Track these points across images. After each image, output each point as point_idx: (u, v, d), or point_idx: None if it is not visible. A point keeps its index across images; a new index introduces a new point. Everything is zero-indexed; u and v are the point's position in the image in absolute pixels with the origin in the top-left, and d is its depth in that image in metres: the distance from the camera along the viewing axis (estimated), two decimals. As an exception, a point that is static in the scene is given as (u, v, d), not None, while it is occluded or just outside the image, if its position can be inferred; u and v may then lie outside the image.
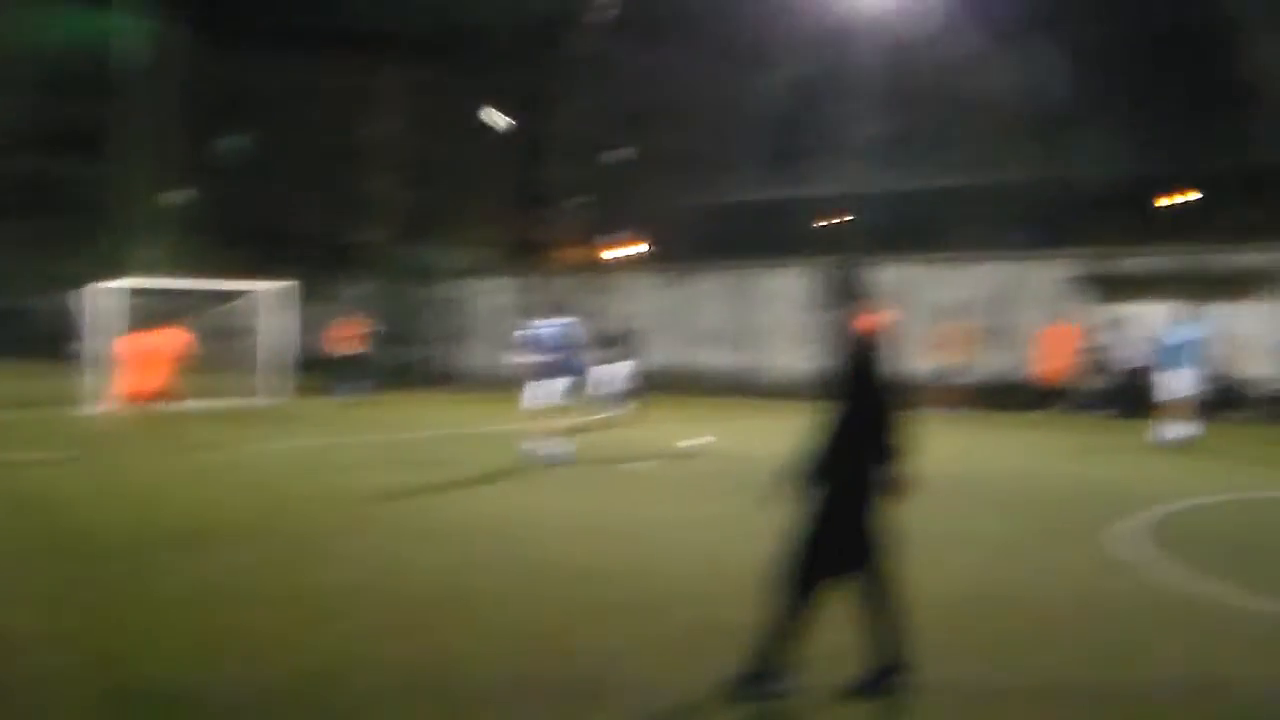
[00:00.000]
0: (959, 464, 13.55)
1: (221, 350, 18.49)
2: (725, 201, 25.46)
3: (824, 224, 27.35)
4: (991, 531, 9.77)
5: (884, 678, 5.43)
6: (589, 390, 17.66)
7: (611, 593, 7.01)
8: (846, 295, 5.64)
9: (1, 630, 6.18)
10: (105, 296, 18.50)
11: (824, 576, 5.44)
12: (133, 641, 6.03)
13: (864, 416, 5.45)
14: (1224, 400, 19.07)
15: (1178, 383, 15.87)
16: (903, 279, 21.10)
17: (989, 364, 22.10)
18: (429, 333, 26.42)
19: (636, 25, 24.26)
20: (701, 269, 24.34)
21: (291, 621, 6.35)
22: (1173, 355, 16.08)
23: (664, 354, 22.14)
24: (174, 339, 14.03)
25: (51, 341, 22.45)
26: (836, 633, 5.40)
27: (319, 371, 21.44)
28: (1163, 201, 27.12)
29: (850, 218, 27.06)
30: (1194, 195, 26.77)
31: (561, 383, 12.90)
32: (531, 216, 27.69)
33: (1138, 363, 20.08)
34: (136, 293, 17.99)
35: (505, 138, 28.43)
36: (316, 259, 24.93)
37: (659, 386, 20.46)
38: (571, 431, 13.53)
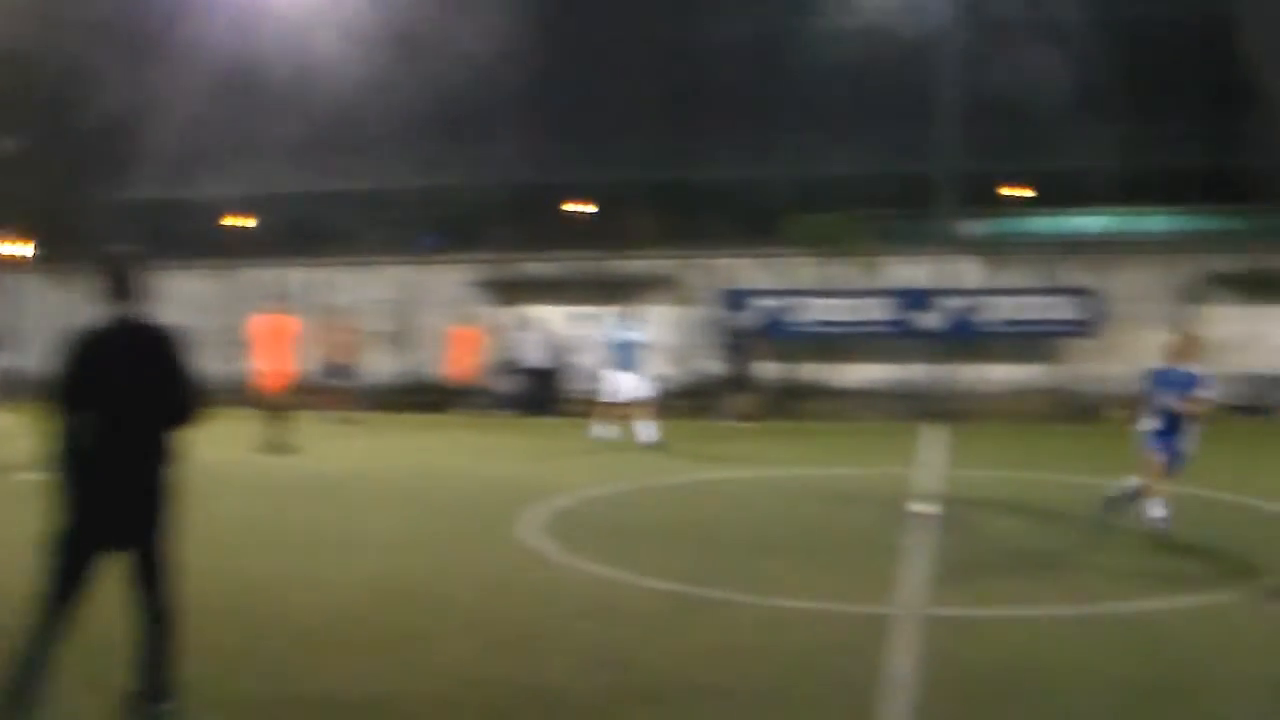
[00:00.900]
0: (361, 465, 14.94)
1: None
2: (125, 199, 25.77)
3: (227, 225, 28.66)
4: (393, 530, 10.66)
5: (150, 704, 5.42)
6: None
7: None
8: (122, 289, 5.58)
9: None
10: None
11: (75, 589, 5.35)
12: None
13: (122, 414, 5.36)
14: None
15: (625, 383, 17.06)
16: (309, 281, 22.97)
17: (394, 366, 23.54)
18: None
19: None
20: (88, 269, 24.96)
21: None
22: (620, 356, 17.22)
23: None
24: None
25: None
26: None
27: None
28: (566, 209, 29.28)
29: (255, 219, 28.72)
30: (591, 206, 29.24)
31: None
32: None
33: (540, 363, 22.79)
34: None
35: None
36: None
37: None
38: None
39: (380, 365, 23.48)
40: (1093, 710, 6.26)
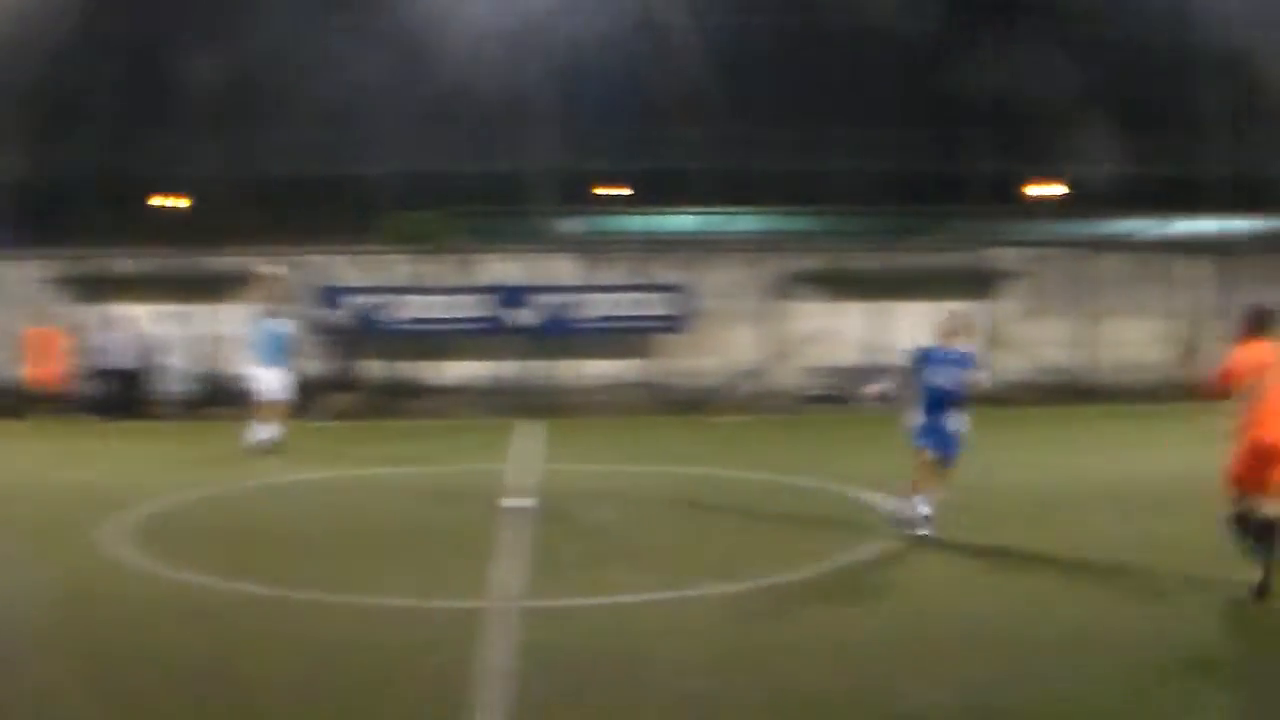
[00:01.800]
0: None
1: None
2: None
3: None
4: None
5: None
6: None
7: None
8: None
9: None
10: None
11: None
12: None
13: None
14: (212, 397, 21.86)
15: (268, 382, 16.37)
16: None
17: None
18: None
19: None
20: None
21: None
22: (264, 353, 16.50)
23: None
24: None
25: None
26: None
27: None
28: (154, 203, 27.69)
29: None
30: (183, 200, 27.72)
31: None
32: None
33: (126, 364, 21.86)
34: None
35: None
36: None
37: None
38: None
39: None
40: (680, 686, 6.60)
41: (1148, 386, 25.90)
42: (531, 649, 7.16)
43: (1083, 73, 25.53)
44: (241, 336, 18.49)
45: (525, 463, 15.86)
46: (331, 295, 23.47)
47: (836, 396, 23.97)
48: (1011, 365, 25.31)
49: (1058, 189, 28.16)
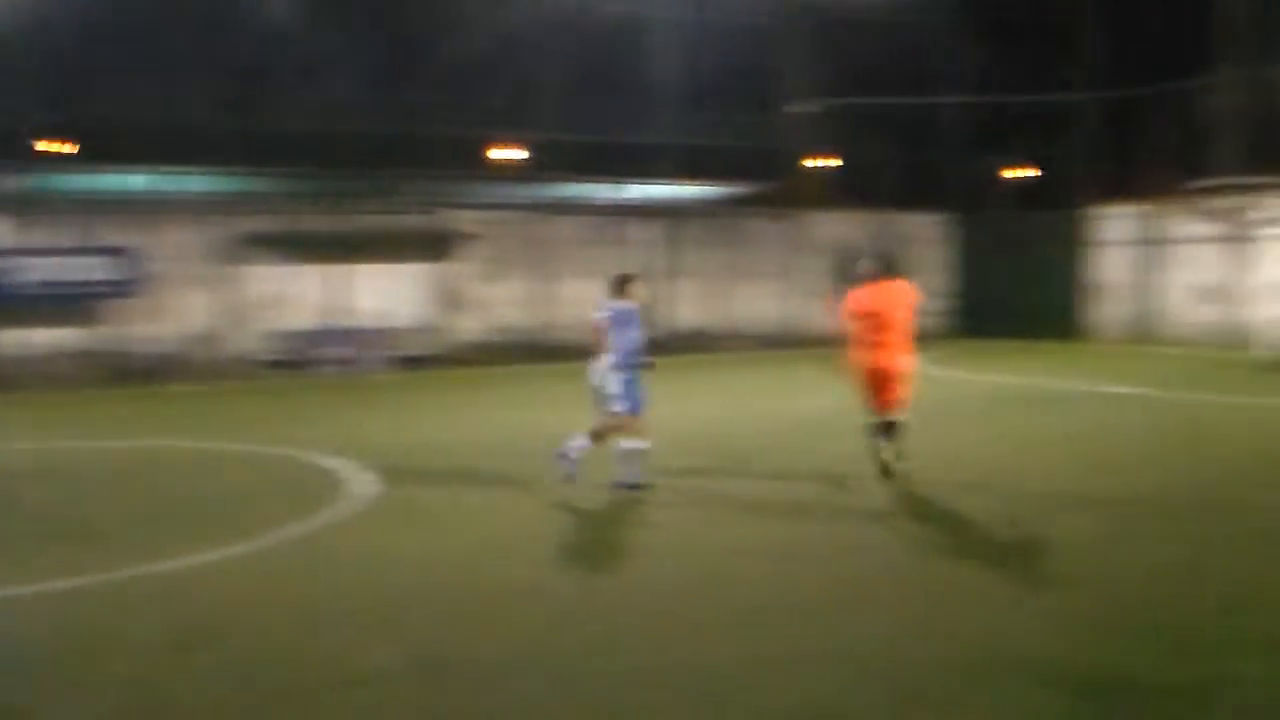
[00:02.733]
0: None
1: None
2: None
3: None
4: None
5: None
6: None
7: None
8: None
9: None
10: None
11: None
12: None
13: None
14: None
15: None
16: None
17: None
18: None
19: None
20: None
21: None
22: None
23: None
24: None
25: None
26: None
27: None
28: None
29: None
30: None
31: None
32: None
33: None
34: None
35: None
36: None
37: None
38: None
39: None
40: (123, 672, 6.83)
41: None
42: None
43: (542, 39, 27.47)
44: None
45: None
46: None
47: (295, 361, 24.53)
48: (470, 326, 27.00)
49: (517, 153, 29.96)
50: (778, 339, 29.98)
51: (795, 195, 31.26)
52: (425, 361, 25.56)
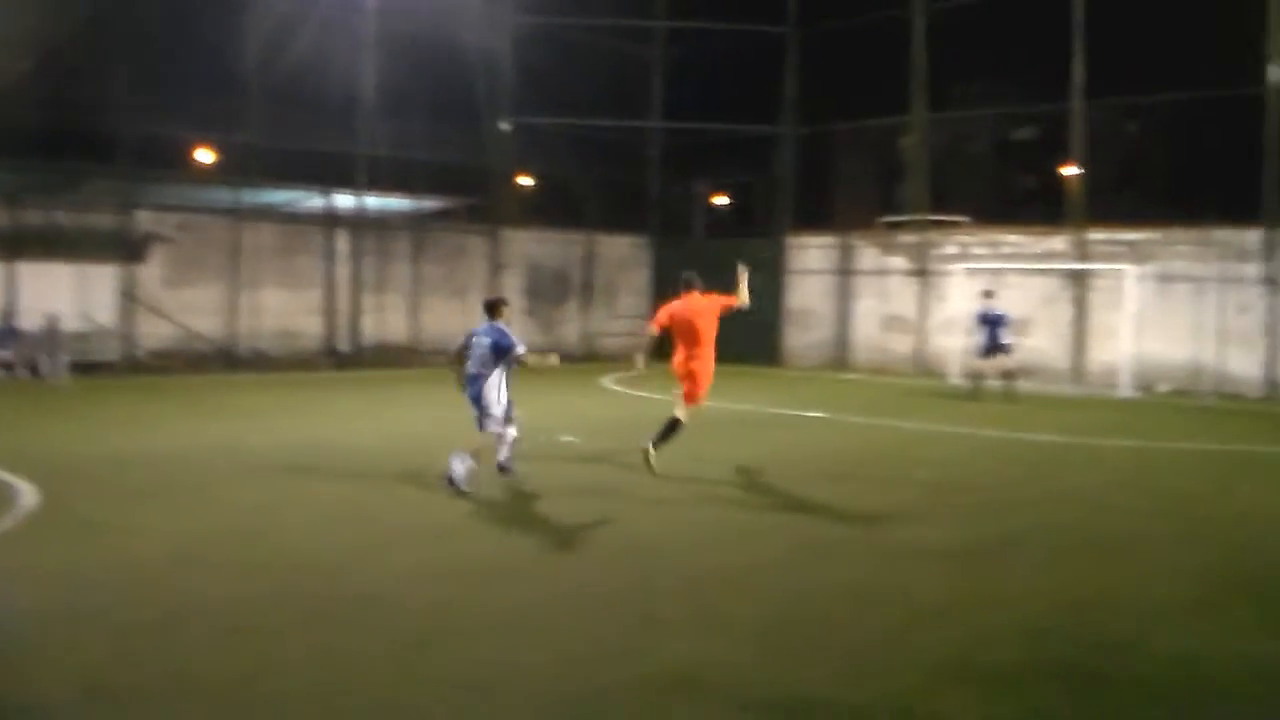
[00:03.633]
0: None
1: None
2: None
3: None
4: None
5: None
6: None
7: None
8: None
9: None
10: None
11: None
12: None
13: None
14: None
15: None
16: None
17: None
18: None
19: None
20: None
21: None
22: None
23: None
24: None
25: None
26: None
27: None
28: None
29: None
30: None
31: None
32: None
33: None
34: None
35: None
36: None
37: None
38: None
39: None
40: None
41: (299, 355, 27.76)
42: None
43: (249, 42, 26.53)
44: None
45: None
46: None
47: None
48: (159, 332, 25.83)
49: (212, 156, 28.97)
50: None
51: (500, 212, 31.40)
52: (106, 368, 24.30)
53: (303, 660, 6.69)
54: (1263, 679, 6.68)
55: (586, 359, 32.00)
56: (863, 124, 34.56)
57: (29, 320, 23.47)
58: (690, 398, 13.36)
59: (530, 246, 32.10)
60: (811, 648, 7.05)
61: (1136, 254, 25.63)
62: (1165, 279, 25.24)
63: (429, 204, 30.91)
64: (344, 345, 28.52)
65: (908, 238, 29.96)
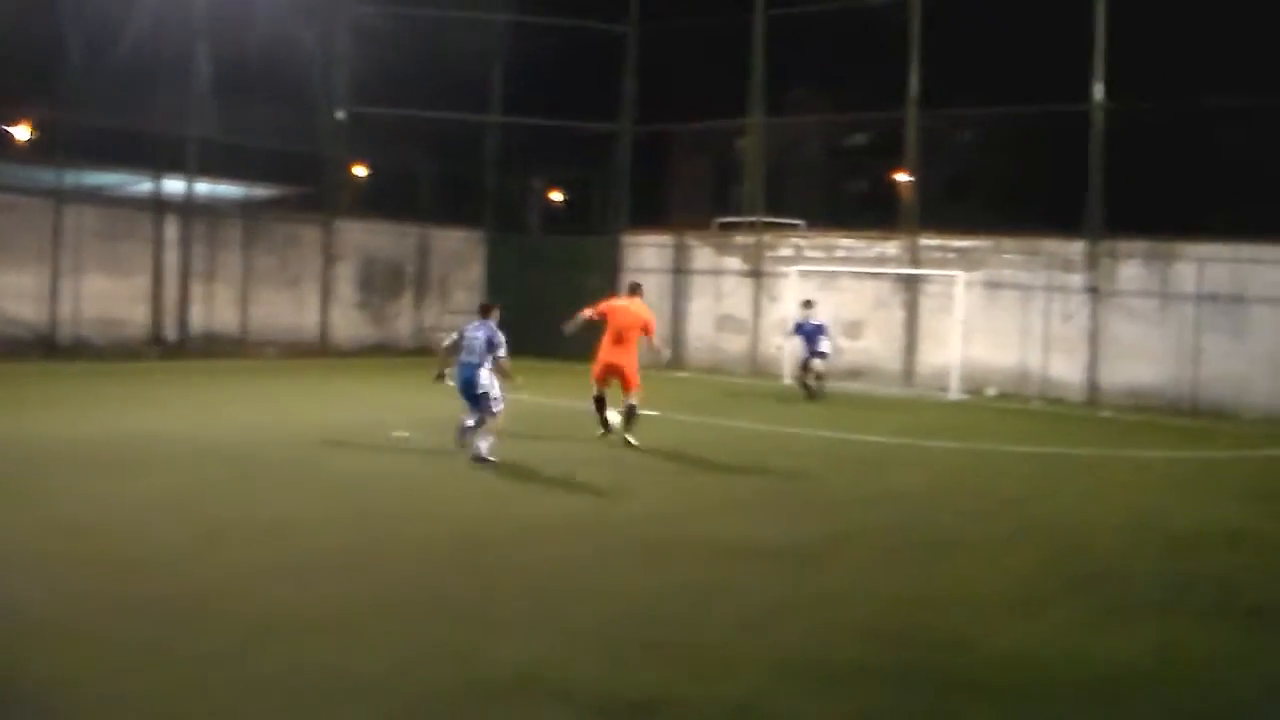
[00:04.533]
0: None
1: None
2: None
3: None
4: None
5: None
6: None
7: None
8: None
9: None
10: None
11: None
12: None
13: None
14: None
15: None
16: None
17: None
18: None
19: None
20: None
21: None
22: None
23: None
24: None
25: None
26: None
27: None
28: None
29: None
30: None
31: None
32: None
33: None
34: None
35: None
36: None
37: None
38: None
39: None
40: None
41: (124, 344, 26.67)
42: None
43: (67, 16, 25.35)
44: None
45: None
46: None
47: None
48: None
49: (29, 132, 27.71)
50: (305, 346, 29.38)
51: (334, 202, 30.75)
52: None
53: (130, 662, 6.37)
54: (1089, 676, 6.82)
55: (420, 353, 31.55)
56: (700, 125, 34.82)
57: None
58: (629, 386, 15.52)
59: (364, 238, 31.46)
60: (649, 647, 6.99)
61: (967, 261, 26.33)
62: (994, 286, 25.99)
63: (261, 192, 30.09)
64: (171, 335, 27.52)
65: (743, 239, 30.24)
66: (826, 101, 35.67)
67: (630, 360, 15.67)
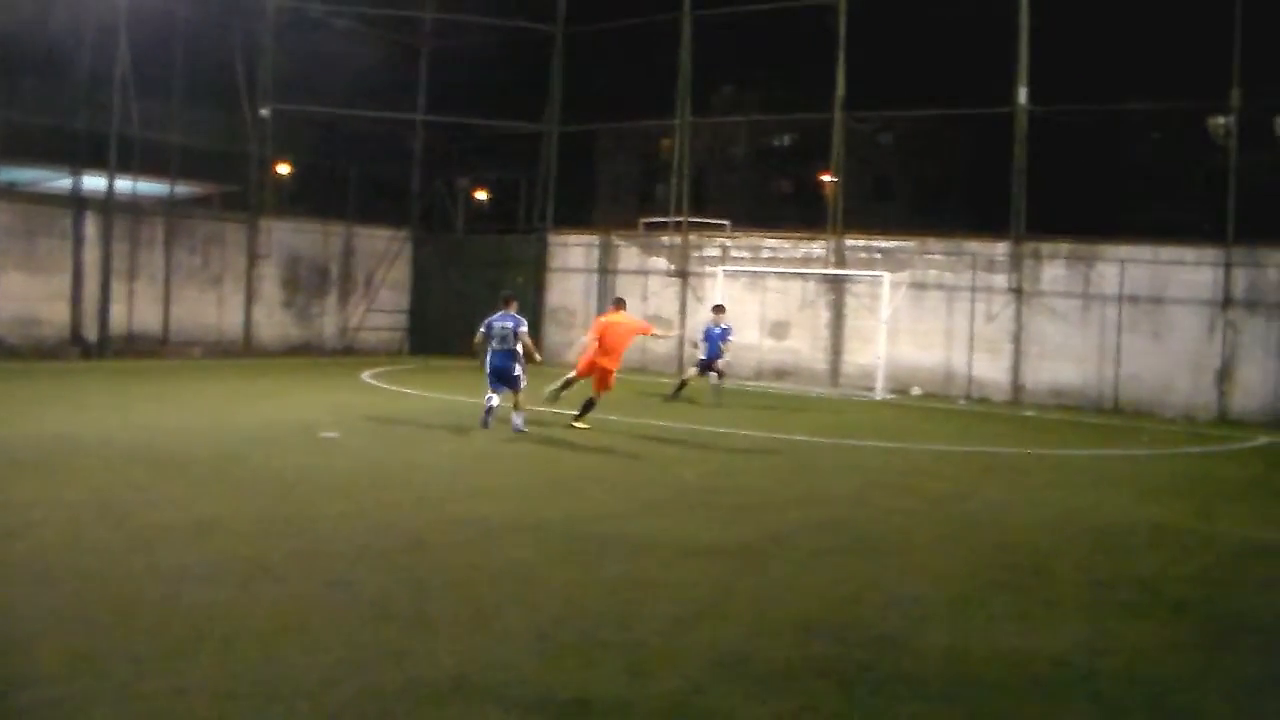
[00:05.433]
0: None
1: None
2: None
3: None
4: None
5: None
6: None
7: None
8: None
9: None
10: None
11: None
12: None
13: None
14: None
15: None
16: None
17: None
18: None
19: None
20: None
21: None
22: None
23: None
24: None
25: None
26: None
27: None
28: None
29: None
30: None
31: None
32: None
33: None
34: None
35: None
36: None
37: None
38: None
39: None
40: None
41: (42, 344, 26.17)
42: None
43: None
44: None
45: None
46: None
47: None
48: None
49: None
50: (229, 346, 29.07)
51: (257, 200, 30.42)
52: None
53: (59, 672, 6.23)
54: (1019, 672, 6.94)
55: (345, 353, 31.33)
56: (627, 125, 34.86)
57: None
58: (604, 386, 17.33)
59: (288, 236, 31.17)
60: (586, 647, 6.99)
61: (892, 261, 26.64)
62: (919, 286, 26.33)
63: (184, 189, 29.68)
64: (91, 335, 27.06)
65: (669, 239, 30.35)
66: (753, 102, 35.91)
67: (614, 366, 17.55)
